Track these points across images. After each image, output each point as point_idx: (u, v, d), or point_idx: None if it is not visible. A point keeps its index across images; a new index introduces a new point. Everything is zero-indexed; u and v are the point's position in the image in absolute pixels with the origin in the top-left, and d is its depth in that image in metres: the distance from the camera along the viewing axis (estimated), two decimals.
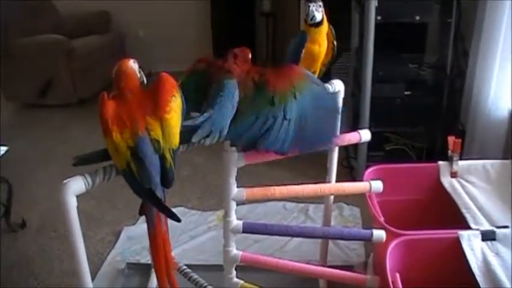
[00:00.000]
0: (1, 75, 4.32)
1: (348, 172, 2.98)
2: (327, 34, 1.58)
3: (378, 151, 2.93)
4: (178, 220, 1.18)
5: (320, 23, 1.54)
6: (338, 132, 1.58)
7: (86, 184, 1.14)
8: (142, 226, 2.50)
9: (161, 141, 1.16)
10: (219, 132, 1.28)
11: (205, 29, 5.07)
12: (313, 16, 1.51)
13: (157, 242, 1.26)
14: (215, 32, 5.01)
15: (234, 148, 1.44)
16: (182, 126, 1.22)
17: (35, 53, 4.31)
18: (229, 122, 1.31)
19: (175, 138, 1.19)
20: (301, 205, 2.63)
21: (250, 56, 1.46)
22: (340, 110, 1.58)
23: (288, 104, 1.35)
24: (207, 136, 1.25)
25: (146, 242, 2.24)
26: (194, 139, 1.23)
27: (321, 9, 1.53)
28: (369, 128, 1.89)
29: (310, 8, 1.51)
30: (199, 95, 1.37)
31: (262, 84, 1.38)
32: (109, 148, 1.15)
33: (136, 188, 1.15)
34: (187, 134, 1.22)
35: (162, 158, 1.16)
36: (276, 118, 1.34)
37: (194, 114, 1.29)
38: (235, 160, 1.46)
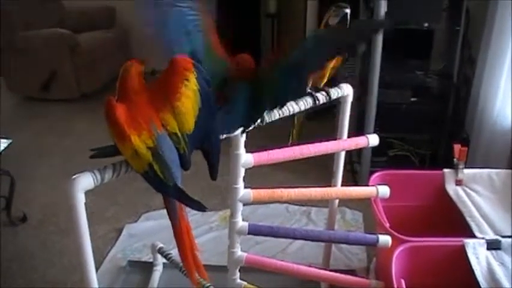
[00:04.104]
0: (5, 66, 4.32)
1: (351, 176, 2.98)
2: None
3: (382, 156, 2.93)
4: (205, 209, 1.19)
5: None
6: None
7: (95, 180, 1.12)
8: (144, 224, 2.50)
9: (178, 132, 1.14)
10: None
11: None
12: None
13: (182, 232, 1.25)
14: (220, 33, 4.97)
15: (243, 149, 1.43)
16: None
17: (39, 46, 4.29)
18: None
19: (189, 124, 1.16)
20: (304, 208, 2.62)
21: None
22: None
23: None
24: None
25: (148, 240, 2.27)
26: None
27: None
28: (374, 133, 1.89)
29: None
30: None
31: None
32: (125, 153, 1.10)
33: (161, 187, 1.14)
34: None
35: (178, 147, 1.15)
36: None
37: None
38: (244, 161, 1.45)
